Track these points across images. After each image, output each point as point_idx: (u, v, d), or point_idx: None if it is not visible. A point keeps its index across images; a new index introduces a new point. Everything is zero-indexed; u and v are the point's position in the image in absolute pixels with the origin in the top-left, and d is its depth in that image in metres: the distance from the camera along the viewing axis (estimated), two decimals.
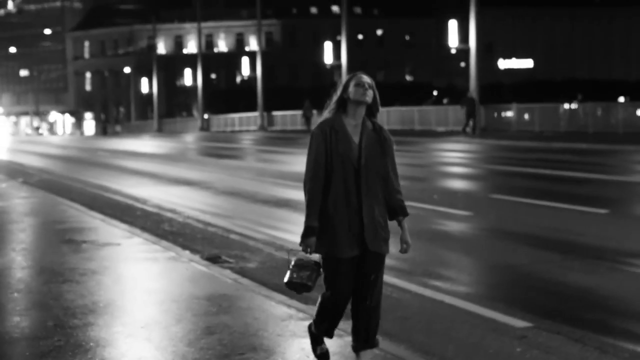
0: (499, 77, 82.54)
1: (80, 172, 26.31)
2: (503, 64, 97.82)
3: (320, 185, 5.32)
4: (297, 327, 6.96)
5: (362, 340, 5.53)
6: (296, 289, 5.47)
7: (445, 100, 54.68)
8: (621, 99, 53.87)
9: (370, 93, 5.36)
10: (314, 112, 50.35)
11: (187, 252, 10.87)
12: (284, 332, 6.85)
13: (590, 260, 9.91)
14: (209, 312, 7.56)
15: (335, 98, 5.44)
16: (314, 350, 5.77)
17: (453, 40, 41.61)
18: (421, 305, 8.09)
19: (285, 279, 5.49)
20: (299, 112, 54.65)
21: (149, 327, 7.08)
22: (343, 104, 5.40)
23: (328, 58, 55.34)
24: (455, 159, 27.60)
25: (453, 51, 52.67)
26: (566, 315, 7.62)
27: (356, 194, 5.31)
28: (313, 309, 7.42)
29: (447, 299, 8.24)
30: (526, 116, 41.69)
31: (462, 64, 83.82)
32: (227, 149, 37.60)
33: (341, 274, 5.35)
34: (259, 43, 63.45)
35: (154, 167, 27.54)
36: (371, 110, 5.42)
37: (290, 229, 12.72)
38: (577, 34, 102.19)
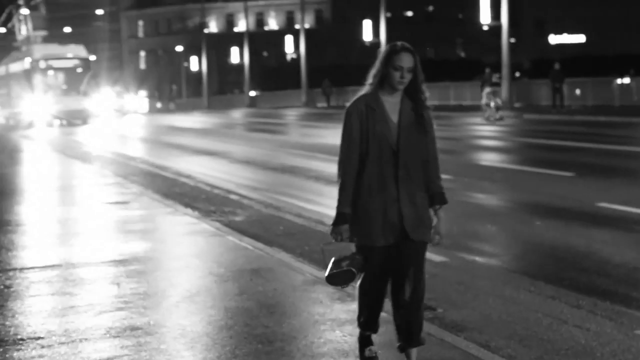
0: (550, 52, 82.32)
1: (119, 145, 28.23)
2: (554, 39, 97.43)
3: (353, 168, 4.93)
4: (250, 258, 8.62)
5: (404, 338, 5.09)
6: (340, 280, 5.05)
7: (497, 76, 54.92)
8: None
9: (407, 78, 4.89)
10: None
11: (188, 210, 12.50)
12: (242, 261, 8.49)
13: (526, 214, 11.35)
14: (189, 253, 9.19)
15: (374, 72, 4.96)
16: (362, 352, 5.31)
17: (485, 17, 42.58)
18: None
19: (326, 273, 5.09)
20: (348, 88, 56.27)
21: (140, 253, 8.80)
22: (382, 78, 4.93)
23: (367, 35, 56.63)
24: (473, 132, 28.82)
25: (485, 27, 53.28)
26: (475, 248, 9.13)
27: (394, 178, 4.90)
28: (277, 251, 9.09)
29: None
30: (577, 91, 41.31)
31: (512, 40, 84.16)
32: (262, 124, 39.30)
33: (375, 263, 4.99)
34: (302, 21, 65.01)
35: (186, 140, 29.38)
36: (410, 89, 4.95)
37: (285, 191, 14.31)
38: (631, 8, 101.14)
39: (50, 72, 44.72)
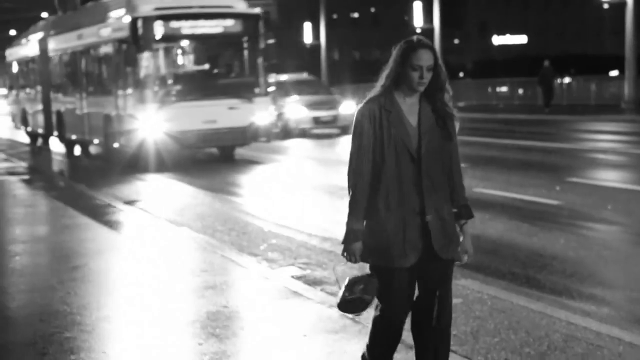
0: (492, 53, 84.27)
1: None
2: (497, 40, 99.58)
3: (365, 179, 4.38)
4: (172, 236, 10.16)
5: None
6: (354, 308, 4.53)
7: None
8: (613, 73, 52.36)
9: (427, 78, 4.32)
10: None
11: (113, 199, 13.89)
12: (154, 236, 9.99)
13: None
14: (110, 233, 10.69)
15: (387, 72, 4.40)
16: None
17: (418, 20, 44.20)
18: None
19: (337, 301, 4.55)
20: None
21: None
22: (397, 78, 4.37)
23: (308, 38, 58.21)
24: None
25: (418, 30, 55.11)
26: None
27: (415, 189, 4.35)
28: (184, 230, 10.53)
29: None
30: (520, 91, 42.22)
31: (456, 41, 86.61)
32: None
33: (396, 287, 4.42)
34: None
35: None
36: (431, 88, 4.39)
37: (203, 184, 15.90)
38: (569, 10, 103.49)
39: (176, 45, 19.77)
